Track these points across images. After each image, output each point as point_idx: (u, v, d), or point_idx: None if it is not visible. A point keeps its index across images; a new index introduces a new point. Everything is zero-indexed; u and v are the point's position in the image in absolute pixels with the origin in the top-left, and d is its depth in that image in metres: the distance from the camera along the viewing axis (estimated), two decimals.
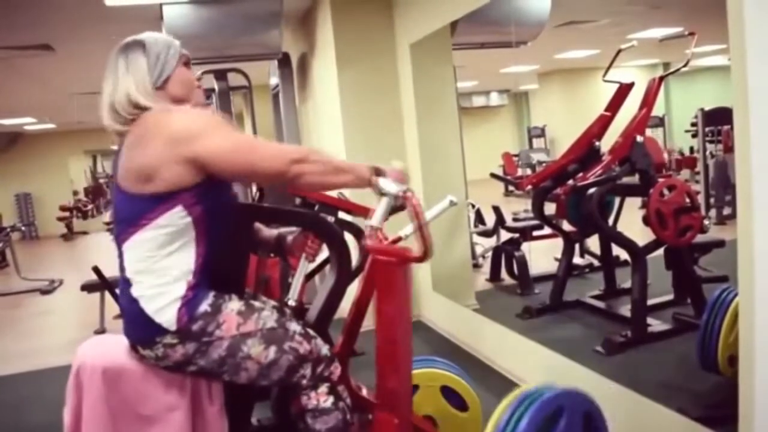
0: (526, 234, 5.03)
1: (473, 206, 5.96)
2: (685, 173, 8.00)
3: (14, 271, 7.95)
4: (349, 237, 3.23)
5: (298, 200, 3.00)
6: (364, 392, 2.07)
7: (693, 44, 3.57)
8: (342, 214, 3.09)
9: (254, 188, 4.78)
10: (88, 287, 5.11)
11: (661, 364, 3.22)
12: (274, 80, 5.82)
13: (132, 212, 1.67)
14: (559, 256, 4.32)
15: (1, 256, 9.60)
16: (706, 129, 6.74)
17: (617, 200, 4.37)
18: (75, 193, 16.45)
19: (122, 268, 1.72)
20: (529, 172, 9.31)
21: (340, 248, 2.05)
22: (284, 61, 5.44)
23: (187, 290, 1.68)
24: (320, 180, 1.73)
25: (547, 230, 4.72)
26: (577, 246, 4.65)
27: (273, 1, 4.49)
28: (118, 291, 1.81)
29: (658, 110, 7.06)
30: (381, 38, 4.50)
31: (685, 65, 3.60)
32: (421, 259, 1.79)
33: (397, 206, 1.96)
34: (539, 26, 4.35)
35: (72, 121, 11.60)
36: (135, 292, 1.68)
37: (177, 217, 1.65)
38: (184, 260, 1.69)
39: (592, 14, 5.73)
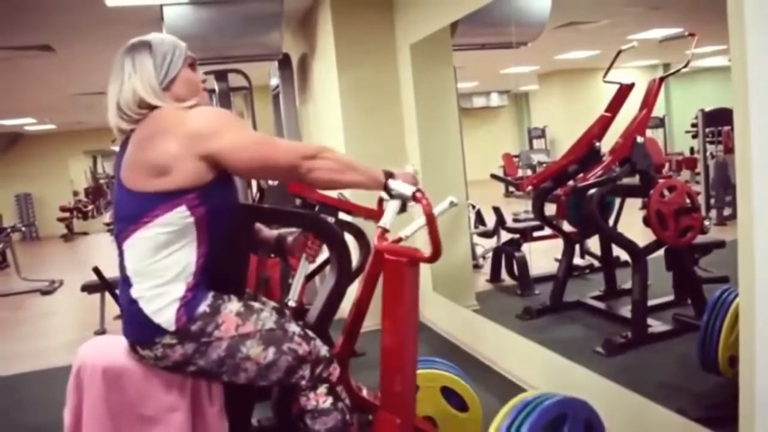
0: (526, 235, 5.03)
1: (473, 207, 5.96)
2: (685, 174, 8.01)
3: (15, 271, 7.95)
4: (349, 237, 3.23)
5: (298, 201, 3.00)
6: (365, 393, 2.07)
7: (693, 45, 3.57)
8: (342, 215, 3.08)
9: (254, 189, 4.78)
10: (88, 288, 5.11)
11: (661, 365, 3.22)
12: (275, 81, 5.82)
13: (134, 210, 1.67)
14: (559, 256, 4.32)
15: (1, 257, 9.60)
16: (707, 130, 6.74)
17: (617, 201, 4.37)
18: (75, 193, 16.47)
19: (122, 268, 1.72)
20: (529, 172, 9.31)
21: (340, 249, 2.05)
22: (284, 61, 5.44)
23: (186, 291, 1.68)
24: (332, 177, 1.76)
25: (547, 231, 4.72)
26: (577, 247, 4.65)
27: (273, 2, 4.49)
28: (118, 292, 1.81)
29: (658, 111, 7.06)
30: (381, 39, 4.50)
31: (685, 66, 3.60)
32: (431, 259, 1.79)
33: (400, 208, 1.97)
34: (539, 27, 4.35)
35: (72, 121, 11.62)
36: (134, 292, 1.68)
37: (179, 216, 1.65)
38: (185, 261, 1.69)
39: (592, 15, 5.73)
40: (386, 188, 1.88)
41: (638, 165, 3.66)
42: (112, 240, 1.81)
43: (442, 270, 4.39)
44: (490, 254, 5.52)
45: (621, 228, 4.21)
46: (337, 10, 4.41)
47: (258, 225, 2.11)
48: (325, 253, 2.21)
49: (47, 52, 5.57)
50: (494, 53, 5.03)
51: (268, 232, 2.12)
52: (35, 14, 4.43)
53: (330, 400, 1.81)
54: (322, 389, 1.81)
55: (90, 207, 16.12)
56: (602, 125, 3.87)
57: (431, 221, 1.76)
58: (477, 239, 5.85)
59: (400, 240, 2.07)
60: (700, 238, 3.61)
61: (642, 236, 3.68)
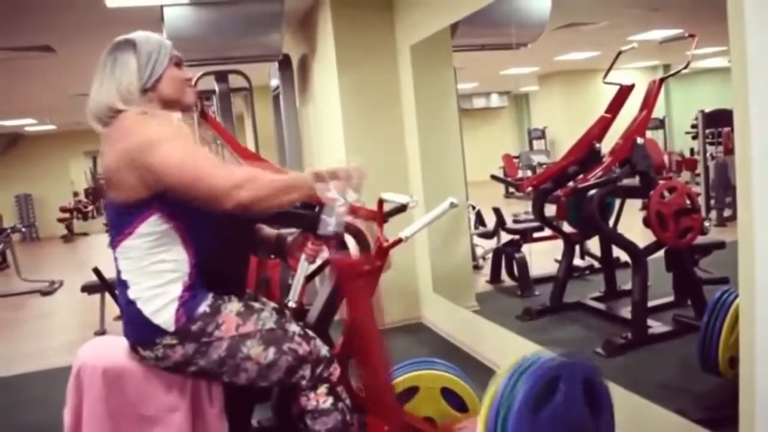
0: (526, 235, 5.03)
1: (473, 208, 5.96)
2: (685, 175, 8.01)
3: (15, 272, 7.95)
4: (349, 238, 3.22)
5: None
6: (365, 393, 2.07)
7: (693, 46, 3.58)
8: None
9: None
10: (88, 288, 5.11)
11: (661, 366, 3.21)
12: (275, 82, 5.82)
13: (116, 221, 1.71)
14: (559, 257, 4.32)
15: (1, 257, 9.60)
16: (707, 131, 6.74)
17: (617, 202, 4.37)
18: (75, 194, 16.48)
19: (118, 271, 1.73)
20: (529, 173, 9.31)
21: (340, 250, 2.05)
22: (285, 62, 5.44)
23: (184, 291, 1.68)
24: (260, 205, 1.63)
25: (547, 232, 4.72)
26: (577, 247, 4.64)
27: (274, 3, 4.49)
28: (117, 292, 1.81)
29: (658, 112, 7.06)
30: (381, 40, 4.50)
31: (685, 67, 3.60)
32: (368, 264, 1.77)
33: (398, 209, 1.96)
34: (539, 28, 4.35)
35: (72, 122, 11.61)
36: (132, 294, 1.69)
37: (155, 224, 1.66)
38: (176, 262, 1.69)
39: (592, 16, 5.73)
40: (317, 195, 1.76)
41: (638, 166, 3.66)
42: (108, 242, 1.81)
43: (443, 271, 4.40)
44: (490, 255, 5.52)
45: (621, 229, 4.21)
46: (337, 11, 4.42)
47: (258, 225, 2.11)
48: (324, 254, 2.21)
49: (47, 53, 5.57)
50: (494, 54, 5.03)
51: (268, 232, 2.12)
52: (36, 15, 4.44)
53: (330, 400, 1.81)
54: (323, 389, 1.81)
55: (90, 208, 16.13)
56: (602, 126, 3.87)
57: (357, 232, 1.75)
58: (477, 240, 5.85)
59: (399, 241, 2.06)
60: (700, 239, 3.61)
61: (642, 237, 3.68)
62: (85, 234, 14.13)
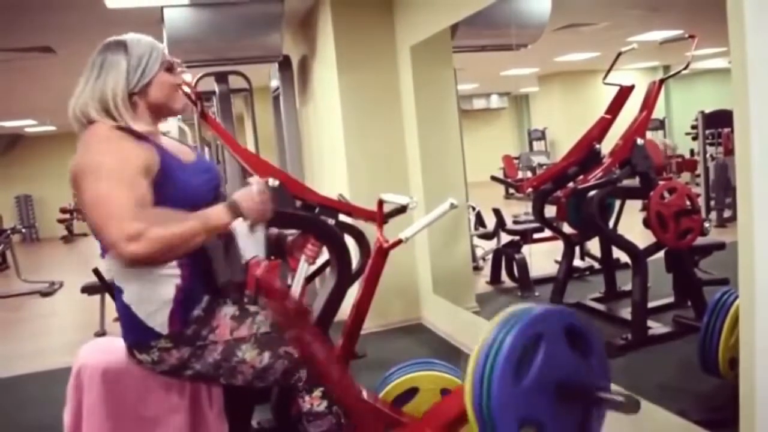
0: (526, 236, 5.03)
1: (473, 209, 5.95)
2: (685, 176, 8.00)
3: (14, 273, 7.95)
4: (349, 239, 3.23)
5: (298, 203, 3.00)
6: (364, 394, 2.07)
7: (693, 47, 3.58)
8: (343, 217, 3.09)
9: None
10: (88, 289, 5.11)
11: (661, 367, 3.21)
12: (275, 83, 5.82)
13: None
14: (559, 258, 4.31)
15: (1, 258, 9.60)
16: (707, 131, 6.74)
17: (617, 203, 4.37)
18: (75, 195, 16.45)
19: (112, 277, 1.73)
20: (529, 174, 9.31)
21: (340, 251, 2.05)
22: (285, 63, 5.44)
23: (177, 293, 1.68)
24: (164, 257, 1.57)
25: (547, 233, 4.71)
26: (577, 248, 4.64)
27: (274, 4, 4.49)
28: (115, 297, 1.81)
29: (658, 113, 7.05)
30: (381, 41, 4.50)
31: (685, 68, 3.61)
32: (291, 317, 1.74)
33: (397, 210, 1.96)
34: (539, 29, 4.35)
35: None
36: (126, 298, 1.69)
37: None
38: (168, 265, 1.67)
39: (592, 17, 5.72)
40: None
41: (638, 167, 3.66)
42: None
43: (443, 272, 4.40)
44: (490, 256, 5.52)
45: (621, 230, 4.21)
46: (337, 12, 4.42)
47: None
48: (325, 255, 2.21)
49: (48, 54, 5.57)
50: (494, 55, 5.03)
51: (268, 233, 2.11)
52: (36, 16, 4.44)
53: (325, 403, 1.81)
54: (318, 392, 1.81)
55: None
56: (602, 127, 3.87)
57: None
58: (477, 241, 5.84)
59: (399, 242, 2.07)
60: (700, 240, 3.61)
61: (642, 238, 3.68)
62: (85, 235, 14.09)
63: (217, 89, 5.91)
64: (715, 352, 2.54)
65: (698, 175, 6.99)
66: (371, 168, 4.48)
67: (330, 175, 5.05)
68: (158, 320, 1.66)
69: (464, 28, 3.86)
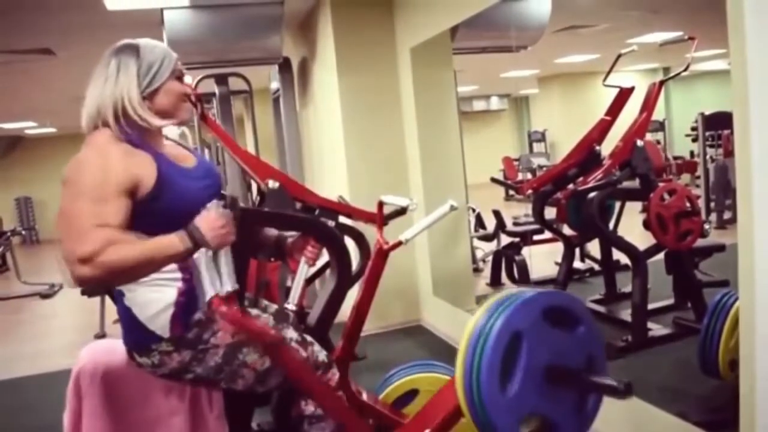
0: (526, 238, 5.03)
1: (474, 210, 5.95)
2: (685, 177, 8.00)
3: (15, 275, 7.95)
4: (349, 241, 3.23)
5: (298, 204, 3.00)
6: (365, 396, 2.07)
7: (693, 49, 3.58)
8: (343, 219, 3.09)
9: (254, 192, 4.78)
10: (88, 291, 5.10)
11: (661, 369, 3.21)
12: (275, 85, 5.82)
13: None
14: (559, 260, 4.31)
15: (1, 260, 9.60)
16: (707, 133, 6.74)
17: (617, 204, 4.37)
18: None
19: None
20: (529, 176, 9.31)
21: (340, 252, 2.05)
22: (285, 65, 5.44)
23: (179, 296, 1.67)
24: (113, 281, 1.59)
25: (547, 234, 4.71)
26: (577, 250, 4.64)
27: (274, 6, 4.50)
28: (115, 299, 1.81)
29: (658, 114, 7.05)
30: (381, 43, 4.51)
31: (685, 69, 3.61)
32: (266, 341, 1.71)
33: (397, 211, 1.96)
34: (539, 31, 4.35)
35: (73, 125, 11.59)
36: (128, 301, 1.69)
37: (133, 237, 1.61)
38: (167, 269, 1.67)
39: (592, 19, 5.73)
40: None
41: (638, 168, 3.66)
42: None
43: (443, 273, 4.40)
44: (490, 258, 5.51)
45: (621, 231, 4.21)
46: (337, 13, 4.42)
47: (258, 227, 2.10)
48: (324, 257, 2.21)
49: (47, 56, 5.57)
50: (494, 57, 5.03)
51: (268, 234, 2.11)
52: (35, 18, 4.44)
53: None
54: None
55: None
56: (602, 129, 3.87)
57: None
58: (477, 242, 5.84)
59: (399, 244, 2.06)
60: (700, 242, 3.61)
61: (642, 239, 3.68)
62: None
63: (217, 91, 5.91)
64: (715, 354, 2.54)
65: (698, 177, 6.99)
66: (371, 170, 4.49)
67: (330, 176, 5.05)
68: (159, 323, 1.65)
69: (464, 29, 3.86)
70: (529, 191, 4.19)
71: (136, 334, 1.68)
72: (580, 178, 3.95)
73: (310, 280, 3.32)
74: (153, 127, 1.69)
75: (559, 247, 4.38)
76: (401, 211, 2.73)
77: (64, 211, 1.55)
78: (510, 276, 5.10)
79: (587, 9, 5.37)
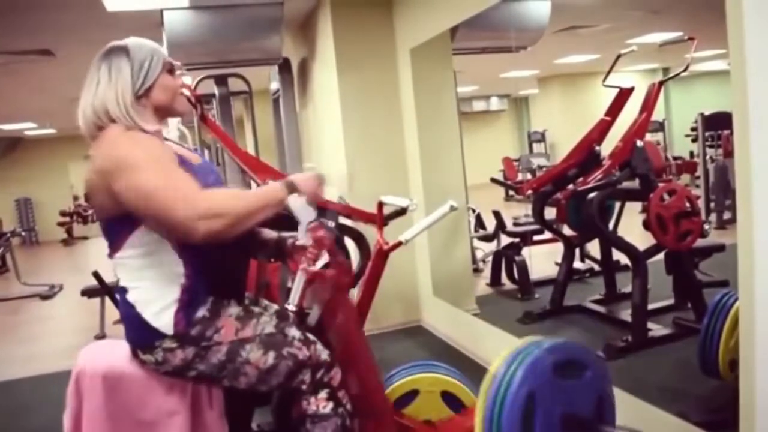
0: (526, 238, 5.03)
1: (473, 211, 5.96)
2: (685, 178, 8.00)
3: (14, 276, 7.95)
4: (349, 241, 3.24)
5: None
6: None
7: (693, 49, 3.58)
8: (343, 219, 3.09)
9: None
10: (88, 292, 5.11)
11: (661, 369, 3.21)
12: (275, 85, 5.83)
13: (106, 233, 1.72)
14: (559, 260, 4.32)
15: (1, 261, 9.60)
16: (706, 133, 6.74)
17: (617, 204, 4.37)
18: (75, 198, 16.46)
19: (117, 278, 1.74)
20: (529, 176, 9.31)
21: (340, 253, 2.05)
22: (285, 66, 5.45)
23: (182, 293, 1.68)
24: (233, 230, 1.60)
25: (547, 235, 4.72)
26: (577, 250, 4.64)
27: (273, 7, 4.50)
28: (117, 296, 1.81)
29: (658, 115, 7.06)
30: (381, 43, 4.51)
31: (684, 70, 3.61)
32: (342, 281, 1.78)
33: (397, 212, 1.97)
34: (539, 31, 4.35)
35: (72, 126, 11.51)
36: (131, 297, 1.70)
37: (144, 234, 1.66)
38: (171, 266, 1.69)
39: (591, 19, 5.73)
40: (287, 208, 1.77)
41: (638, 169, 3.66)
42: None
43: (443, 274, 4.40)
44: (490, 258, 5.52)
45: (621, 231, 4.21)
46: (337, 14, 4.42)
47: (257, 228, 2.11)
48: (324, 257, 2.21)
49: (47, 57, 5.58)
50: (494, 57, 5.04)
51: (268, 235, 2.12)
52: (35, 19, 4.44)
53: (330, 405, 1.80)
54: (323, 394, 1.81)
55: (90, 211, 16.09)
56: (602, 129, 3.88)
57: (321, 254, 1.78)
58: (477, 243, 5.85)
59: (399, 244, 2.07)
60: (700, 242, 3.61)
61: (642, 240, 3.68)
62: (84, 238, 14.13)
63: (216, 92, 5.92)
64: (715, 354, 2.54)
65: (698, 177, 6.99)
66: (371, 170, 4.49)
67: (330, 177, 5.05)
68: (163, 320, 1.66)
69: (464, 30, 3.86)
70: (529, 191, 4.19)
71: (140, 331, 1.68)
72: (580, 179, 3.96)
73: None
74: (147, 130, 1.69)
75: (559, 247, 4.38)
76: (401, 212, 2.73)
77: (152, 185, 1.53)
78: (510, 276, 5.11)
79: (587, 9, 5.37)
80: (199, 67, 4.97)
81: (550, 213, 4.25)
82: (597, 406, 1.60)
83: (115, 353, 1.76)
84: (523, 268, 4.83)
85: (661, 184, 3.70)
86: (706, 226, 3.58)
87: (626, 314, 3.68)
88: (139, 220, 1.63)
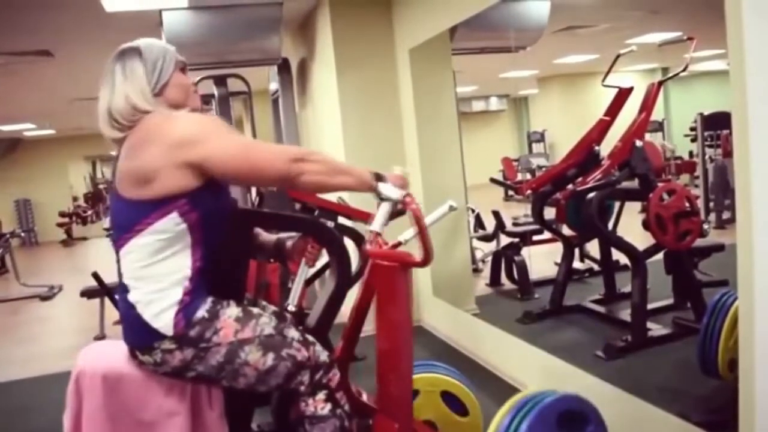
0: (525, 238, 5.03)
1: (473, 211, 5.95)
2: (684, 178, 8.01)
3: (14, 277, 7.95)
4: (348, 242, 3.23)
5: (297, 205, 3.00)
6: (365, 397, 2.07)
7: (692, 49, 3.58)
8: (342, 219, 3.09)
9: (254, 193, 4.78)
10: (87, 293, 5.11)
11: (661, 369, 3.21)
12: (274, 86, 5.83)
13: (128, 217, 1.67)
14: (559, 260, 4.32)
15: (0, 262, 9.60)
16: (706, 133, 6.74)
17: (617, 204, 4.37)
18: (74, 198, 16.49)
19: (120, 274, 1.73)
20: (528, 176, 9.32)
21: (339, 253, 2.05)
22: (284, 66, 5.44)
23: (184, 295, 1.68)
24: (320, 180, 1.73)
25: (546, 235, 4.72)
26: (576, 250, 4.64)
27: (272, 7, 4.50)
28: (117, 297, 1.81)
29: (657, 115, 7.06)
30: (380, 43, 4.51)
31: (683, 70, 3.61)
32: (422, 263, 1.79)
33: (396, 211, 1.96)
34: (538, 31, 4.35)
35: (72, 126, 11.62)
36: (132, 297, 1.69)
37: (172, 223, 1.65)
38: (181, 265, 1.69)
39: (591, 19, 5.73)
40: (375, 191, 1.86)
41: (637, 169, 3.66)
42: (110, 245, 1.80)
43: (442, 274, 4.39)
44: (489, 258, 5.52)
45: (620, 231, 4.22)
46: (336, 14, 4.42)
47: (257, 229, 2.11)
48: (324, 258, 2.21)
49: (46, 58, 5.57)
50: (493, 57, 5.03)
51: (267, 236, 2.12)
52: (34, 20, 4.44)
53: (329, 406, 1.81)
54: (321, 395, 1.81)
55: (89, 212, 16.15)
56: (601, 129, 3.88)
57: (421, 226, 1.75)
58: (476, 243, 5.85)
59: (399, 244, 2.06)
60: (699, 242, 3.61)
61: (641, 240, 3.68)
62: (84, 239, 14.13)
63: (216, 92, 5.92)
64: (715, 354, 2.54)
65: (697, 177, 6.99)
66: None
67: None
68: (163, 321, 1.65)
69: (463, 30, 3.86)
70: (529, 191, 4.19)
71: (139, 332, 1.68)
72: (580, 179, 3.95)
73: (309, 281, 3.33)
74: None
75: (558, 247, 4.38)
76: (400, 212, 2.73)
77: (242, 145, 1.70)
78: (509, 276, 5.11)
79: (586, 9, 5.38)
80: (198, 68, 4.96)
81: (549, 213, 4.25)
82: None
83: (114, 354, 1.76)
84: (523, 268, 4.83)
85: (660, 184, 3.70)
86: (706, 226, 3.58)
87: (626, 314, 3.68)
88: (180, 204, 1.64)
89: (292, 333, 1.80)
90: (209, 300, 1.72)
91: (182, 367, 1.69)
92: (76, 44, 5.12)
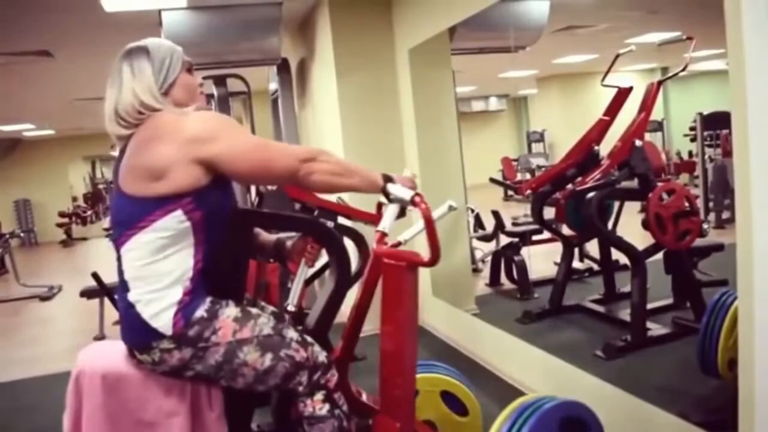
0: (525, 238, 5.03)
1: (473, 211, 5.95)
2: (684, 177, 8.01)
3: (13, 277, 7.95)
4: (348, 242, 3.23)
5: (297, 206, 3.00)
6: (364, 397, 2.07)
7: (691, 48, 3.58)
8: (341, 219, 3.09)
9: (253, 194, 4.78)
10: (87, 293, 5.11)
11: (661, 368, 3.21)
12: (273, 86, 5.83)
13: (131, 214, 1.67)
14: (558, 260, 4.32)
15: (0, 263, 9.60)
16: (705, 133, 6.75)
17: (616, 204, 4.37)
18: (74, 199, 16.48)
19: (120, 273, 1.72)
20: (528, 176, 9.32)
21: (339, 253, 2.05)
22: (283, 66, 5.44)
23: (184, 295, 1.68)
24: (330, 180, 1.76)
25: (546, 235, 4.72)
26: (576, 250, 4.64)
27: (272, 7, 4.50)
28: (116, 297, 1.81)
29: (656, 114, 7.07)
30: (380, 43, 4.51)
31: (683, 69, 3.61)
32: (430, 263, 1.80)
33: (399, 213, 1.97)
34: (538, 31, 4.35)
35: (71, 127, 11.62)
36: (132, 296, 1.68)
37: (176, 221, 1.65)
38: (182, 265, 1.68)
39: (590, 19, 5.74)
40: (385, 192, 1.86)
41: (637, 168, 3.66)
42: (110, 245, 1.80)
43: (442, 274, 4.39)
44: (489, 258, 5.52)
45: (620, 231, 4.22)
46: (335, 14, 4.42)
47: (257, 229, 2.11)
48: (324, 258, 2.21)
49: (46, 58, 5.57)
50: (493, 57, 5.03)
51: (267, 236, 2.12)
52: (33, 20, 4.43)
53: (327, 407, 1.81)
54: (319, 396, 1.81)
55: (89, 212, 16.14)
56: (601, 129, 3.88)
57: (430, 225, 1.76)
58: (476, 243, 5.85)
59: (399, 244, 2.06)
60: (698, 242, 3.62)
61: (641, 239, 3.68)
62: (84, 239, 14.13)
63: (215, 92, 5.91)
64: (714, 354, 2.54)
65: (697, 177, 7.00)
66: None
67: None
68: (162, 321, 1.65)
69: (463, 30, 3.86)
70: (528, 191, 4.19)
71: (138, 331, 1.68)
72: (579, 179, 3.95)
73: (309, 281, 3.33)
74: None
75: (558, 247, 4.38)
76: (402, 214, 2.72)
77: (254, 142, 1.72)
78: (509, 276, 5.11)
79: (586, 9, 5.38)
80: (197, 68, 4.95)
81: (549, 213, 4.25)
82: None
83: (114, 354, 1.76)
84: (522, 268, 4.83)
85: (660, 184, 3.70)
86: (705, 226, 3.59)
87: (625, 314, 3.68)
88: (185, 202, 1.64)
89: (291, 333, 1.80)
90: (208, 300, 1.72)
91: (181, 366, 1.69)
92: (76, 44, 5.11)
